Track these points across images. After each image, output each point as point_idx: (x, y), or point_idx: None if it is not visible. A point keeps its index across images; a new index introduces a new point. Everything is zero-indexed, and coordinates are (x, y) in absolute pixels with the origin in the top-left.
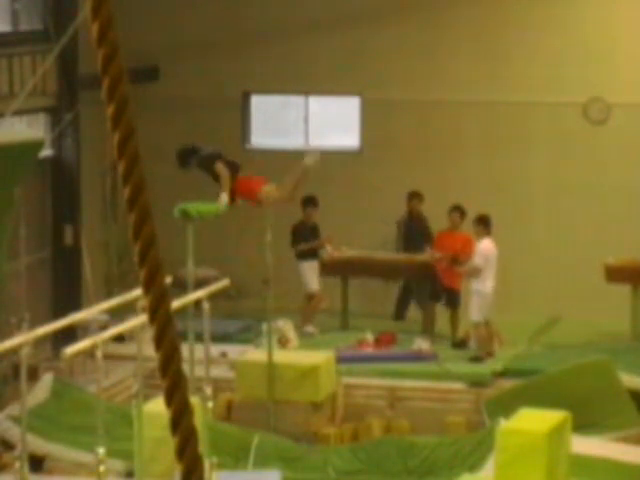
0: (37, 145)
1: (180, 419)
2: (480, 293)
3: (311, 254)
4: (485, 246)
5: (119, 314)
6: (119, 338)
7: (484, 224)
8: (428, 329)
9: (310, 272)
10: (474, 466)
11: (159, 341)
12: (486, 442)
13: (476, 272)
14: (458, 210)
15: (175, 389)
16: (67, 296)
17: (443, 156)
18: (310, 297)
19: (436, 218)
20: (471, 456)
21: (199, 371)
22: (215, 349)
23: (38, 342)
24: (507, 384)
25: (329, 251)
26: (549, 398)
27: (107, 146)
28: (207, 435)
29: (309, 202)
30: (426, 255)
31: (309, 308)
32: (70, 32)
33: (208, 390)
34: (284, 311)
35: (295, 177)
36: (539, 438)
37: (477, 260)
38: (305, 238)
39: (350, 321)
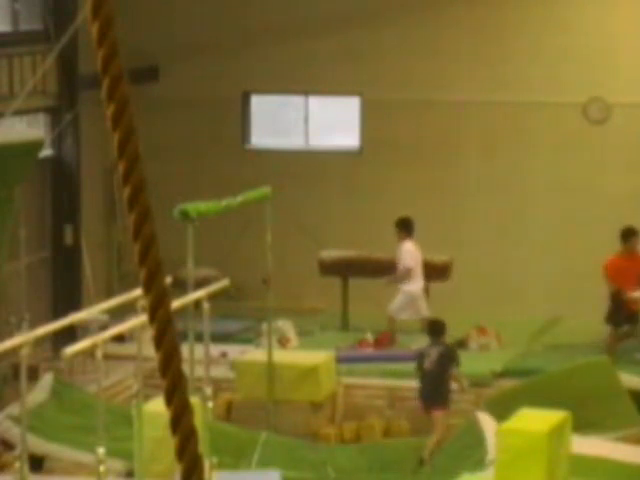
0: (37, 145)
1: (180, 419)
2: (407, 292)
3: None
4: (408, 248)
5: (119, 314)
6: (119, 338)
7: (399, 227)
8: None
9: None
10: (474, 466)
11: (159, 341)
12: (484, 441)
13: (407, 272)
14: None
15: (175, 389)
16: (67, 296)
17: (443, 156)
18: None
19: (436, 218)
20: (471, 456)
21: (199, 371)
22: (215, 349)
23: (38, 342)
24: (507, 384)
25: None
26: (549, 398)
27: (108, 146)
28: (207, 435)
29: None
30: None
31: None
32: (70, 32)
33: (208, 390)
34: (284, 311)
35: None
36: (539, 438)
37: (408, 261)
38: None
39: (350, 321)
